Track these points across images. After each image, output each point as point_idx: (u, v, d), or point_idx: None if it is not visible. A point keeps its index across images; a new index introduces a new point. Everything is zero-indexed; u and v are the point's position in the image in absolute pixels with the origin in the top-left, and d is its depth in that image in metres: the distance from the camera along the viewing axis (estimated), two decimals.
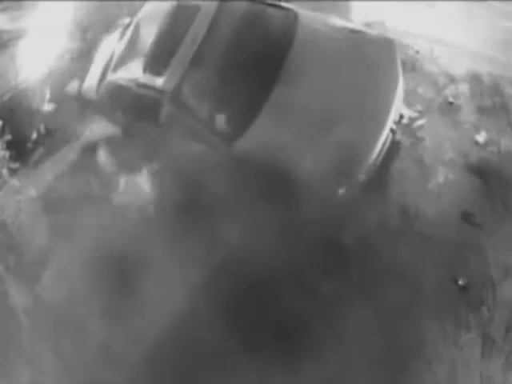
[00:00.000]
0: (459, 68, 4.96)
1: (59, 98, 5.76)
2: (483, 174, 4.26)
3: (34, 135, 5.62)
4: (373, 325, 3.63)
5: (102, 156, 5.24)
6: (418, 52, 5.20)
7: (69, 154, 5.46)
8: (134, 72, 4.52)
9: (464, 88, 4.85)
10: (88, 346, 4.03)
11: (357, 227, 4.04)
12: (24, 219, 4.85)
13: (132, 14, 5.20)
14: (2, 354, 4.04)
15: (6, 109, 5.59)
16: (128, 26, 5.10)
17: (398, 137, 4.27)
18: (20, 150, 5.41)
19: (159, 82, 4.29)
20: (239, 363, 3.62)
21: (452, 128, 4.60)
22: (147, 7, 5.05)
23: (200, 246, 4.19)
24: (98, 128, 5.52)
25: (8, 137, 5.27)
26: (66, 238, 4.73)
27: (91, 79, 5.15)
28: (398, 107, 4.08)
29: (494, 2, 5.40)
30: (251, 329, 3.82)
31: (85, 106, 5.40)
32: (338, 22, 4.53)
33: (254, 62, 4.29)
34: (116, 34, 5.27)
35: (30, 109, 5.71)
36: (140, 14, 5.01)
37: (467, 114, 4.67)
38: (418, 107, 4.69)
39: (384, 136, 3.88)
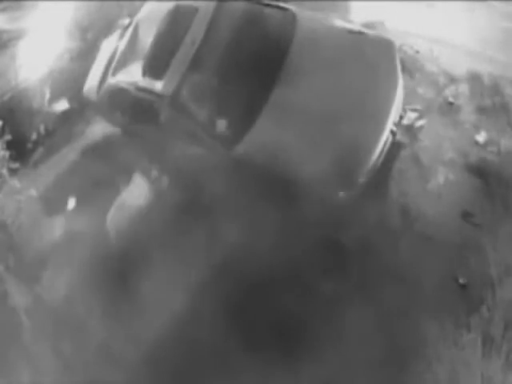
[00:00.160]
0: (459, 68, 4.96)
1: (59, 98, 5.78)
2: (483, 174, 4.26)
3: (34, 135, 5.62)
4: (373, 325, 3.63)
5: (102, 156, 5.24)
6: (418, 52, 5.20)
7: (69, 154, 5.47)
8: (133, 75, 4.52)
9: (464, 88, 4.85)
10: (88, 346, 4.03)
11: (357, 227, 4.04)
12: (24, 219, 4.85)
13: (132, 15, 5.20)
14: (2, 354, 4.04)
15: (6, 109, 5.60)
16: (128, 26, 5.10)
17: (398, 137, 4.26)
18: (20, 150, 5.41)
19: (158, 85, 4.27)
20: (239, 363, 3.62)
21: (452, 128, 4.60)
22: (146, 8, 5.04)
23: (200, 247, 4.20)
24: (98, 128, 5.53)
25: (8, 137, 5.27)
26: (66, 238, 4.73)
27: (92, 80, 5.15)
28: (398, 108, 4.07)
29: (494, 2, 5.40)
30: (251, 329, 3.82)
31: (85, 106, 5.41)
32: (337, 22, 4.53)
33: (252, 64, 4.27)
34: (116, 35, 5.27)
35: (30, 109, 5.72)
36: (139, 16, 5.01)
37: (467, 114, 4.67)
38: (418, 107, 4.69)
39: (384, 137, 3.87)
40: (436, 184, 4.27)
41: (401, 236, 4.05)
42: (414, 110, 4.65)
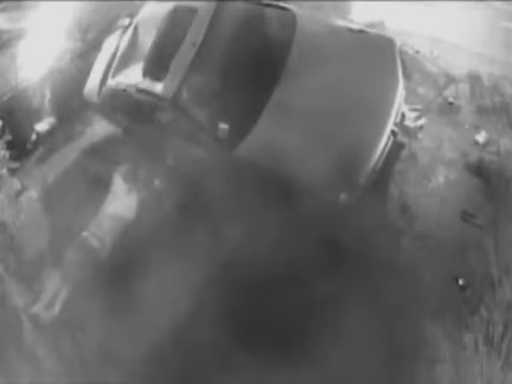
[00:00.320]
0: (459, 68, 4.96)
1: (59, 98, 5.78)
2: (483, 174, 4.26)
3: (34, 135, 5.62)
4: (373, 325, 3.63)
5: (102, 156, 5.24)
6: (418, 52, 5.21)
7: (69, 154, 5.47)
8: (133, 77, 4.50)
9: (464, 88, 4.85)
10: (88, 345, 4.03)
11: (357, 228, 4.03)
12: (24, 219, 4.85)
13: (132, 15, 5.20)
14: (2, 354, 4.04)
15: (5, 109, 5.59)
16: (128, 27, 5.09)
17: (399, 138, 4.26)
18: (20, 150, 5.41)
19: (159, 87, 4.26)
20: (239, 363, 3.62)
21: (452, 128, 4.60)
22: (145, 9, 5.03)
23: (200, 247, 4.20)
24: (98, 128, 5.53)
25: (8, 137, 5.27)
26: (66, 238, 4.73)
27: (92, 81, 5.15)
28: (399, 108, 4.06)
29: (493, 2, 5.40)
30: (251, 329, 3.82)
31: (85, 107, 5.41)
32: (337, 22, 4.52)
33: (253, 64, 4.26)
34: (116, 35, 5.27)
35: (30, 109, 5.72)
36: (138, 17, 5.00)
37: (467, 114, 4.67)
38: (418, 107, 4.69)
39: (385, 138, 3.86)
40: (436, 184, 4.27)
41: (401, 236, 4.05)
42: (414, 110, 4.65)
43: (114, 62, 4.80)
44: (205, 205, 4.26)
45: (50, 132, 5.63)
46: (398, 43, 4.32)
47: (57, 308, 4.34)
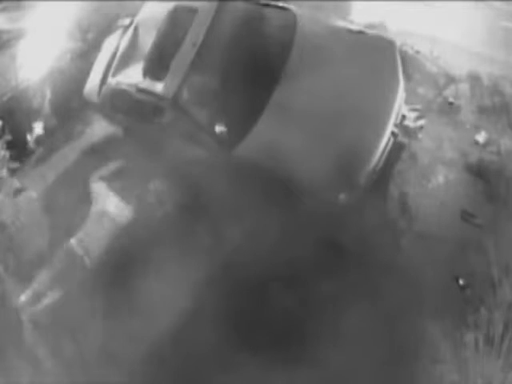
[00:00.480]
0: (459, 68, 4.96)
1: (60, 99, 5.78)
2: (483, 173, 4.26)
3: (34, 135, 5.62)
4: (373, 325, 3.63)
5: (102, 156, 5.24)
6: (418, 52, 5.21)
7: (69, 154, 5.46)
8: (133, 76, 4.51)
9: (464, 88, 4.86)
10: (88, 346, 4.03)
11: (357, 228, 4.03)
12: (23, 219, 4.84)
13: (132, 14, 5.20)
14: (2, 354, 4.03)
15: (5, 109, 5.59)
16: (128, 27, 5.09)
17: (399, 138, 4.26)
18: (20, 150, 5.41)
19: (159, 87, 4.26)
20: (239, 363, 3.61)
21: (452, 128, 4.60)
22: (145, 9, 5.03)
23: (200, 247, 4.20)
24: (98, 128, 5.53)
25: (8, 137, 5.26)
26: (66, 238, 4.73)
27: (92, 81, 5.15)
28: (400, 109, 4.06)
29: (493, 2, 5.40)
30: (251, 329, 3.81)
31: (85, 107, 5.41)
32: (337, 22, 4.52)
33: (253, 64, 4.27)
34: (117, 35, 5.27)
35: (30, 109, 5.71)
36: (139, 16, 5.00)
37: (467, 114, 4.67)
38: (418, 107, 4.69)
39: (385, 139, 3.86)
40: (436, 184, 4.27)
41: (401, 236, 4.05)
42: (414, 110, 4.65)
43: (115, 62, 4.80)
44: (204, 205, 4.26)
45: (43, 138, 5.62)
46: (398, 43, 4.32)
47: (44, 304, 4.32)
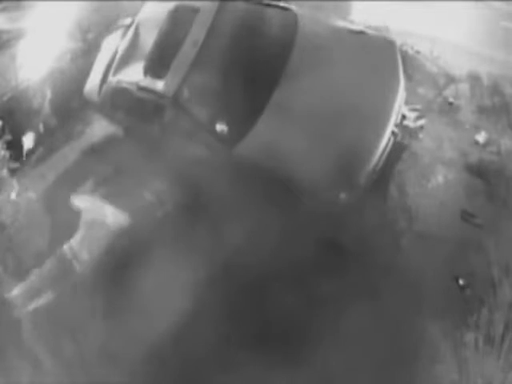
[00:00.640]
0: (459, 68, 4.97)
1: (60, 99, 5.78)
2: (483, 173, 4.26)
3: (34, 135, 5.62)
4: (373, 325, 3.63)
5: (102, 156, 5.24)
6: (418, 52, 5.21)
7: (69, 154, 5.46)
8: (134, 75, 4.51)
9: (464, 88, 4.86)
10: (88, 346, 4.03)
11: (357, 228, 4.04)
12: (23, 220, 4.84)
13: (133, 14, 5.20)
14: (2, 354, 4.03)
15: (6, 109, 5.59)
16: (129, 26, 5.10)
17: (399, 138, 4.26)
18: (20, 150, 5.41)
19: (160, 85, 4.27)
20: (239, 363, 3.61)
21: (452, 128, 4.60)
22: (147, 8, 5.04)
23: (200, 247, 4.19)
24: (98, 128, 5.53)
25: (8, 137, 5.26)
26: (66, 238, 4.73)
27: (92, 81, 5.15)
28: (400, 109, 4.06)
29: (493, 2, 5.41)
30: (251, 329, 3.81)
31: (86, 106, 5.41)
32: (338, 22, 4.52)
33: (254, 64, 4.27)
34: (117, 34, 5.27)
35: (30, 109, 5.71)
36: (140, 16, 5.01)
37: (467, 114, 4.68)
38: (418, 107, 4.69)
39: (386, 139, 3.87)
40: (436, 184, 4.27)
41: (401, 236, 4.05)
42: (414, 110, 4.65)
43: (115, 61, 4.80)
44: (204, 203, 4.26)
45: (34, 149, 5.61)
46: (398, 43, 4.32)
47: (38, 304, 4.33)
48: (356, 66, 4.10)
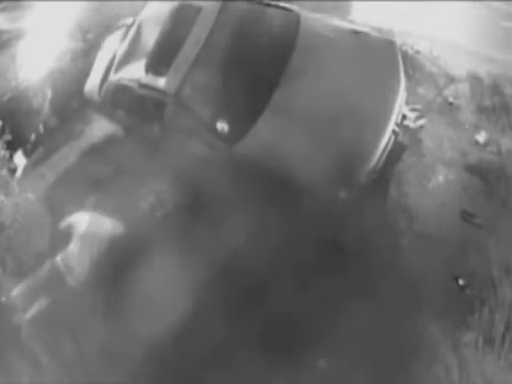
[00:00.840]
0: (459, 68, 4.97)
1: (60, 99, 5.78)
2: (483, 173, 4.26)
3: (34, 135, 5.62)
4: (373, 325, 3.63)
5: (102, 156, 5.23)
6: (418, 52, 5.21)
7: (69, 154, 5.46)
8: (136, 72, 4.53)
9: (464, 88, 4.86)
10: (88, 346, 4.03)
11: (357, 227, 4.03)
12: (23, 220, 4.84)
13: (133, 14, 5.20)
14: (2, 354, 4.03)
15: (6, 109, 5.59)
16: (130, 26, 5.10)
17: (399, 138, 4.26)
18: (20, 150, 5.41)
19: (161, 82, 4.29)
20: (240, 363, 3.62)
21: (452, 128, 4.60)
22: (149, 8, 5.05)
23: (200, 246, 4.19)
24: (98, 128, 5.53)
25: (8, 137, 5.26)
26: (65, 238, 4.73)
27: (93, 80, 5.15)
28: (400, 109, 4.06)
29: (493, 2, 5.41)
30: (251, 329, 3.81)
31: (86, 106, 5.41)
32: (339, 23, 4.53)
33: (255, 63, 4.29)
34: (118, 34, 5.28)
35: (30, 109, 5.71)
36: (142, 15, 5.02)
37: (467, 114, 4.68)
38: (418, 107, 4.69)
39: (386, 138, 3.87)
40: (436, 184, 4.27)
41: (401, 236, 4.05)
42: (414, 110, 4.66)
43: (117, 59, 4.81)
44: (205, 201, 4.26)
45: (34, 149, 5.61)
46: (398, 43, 4.33)
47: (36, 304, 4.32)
48: (357, 66, 4.11)
